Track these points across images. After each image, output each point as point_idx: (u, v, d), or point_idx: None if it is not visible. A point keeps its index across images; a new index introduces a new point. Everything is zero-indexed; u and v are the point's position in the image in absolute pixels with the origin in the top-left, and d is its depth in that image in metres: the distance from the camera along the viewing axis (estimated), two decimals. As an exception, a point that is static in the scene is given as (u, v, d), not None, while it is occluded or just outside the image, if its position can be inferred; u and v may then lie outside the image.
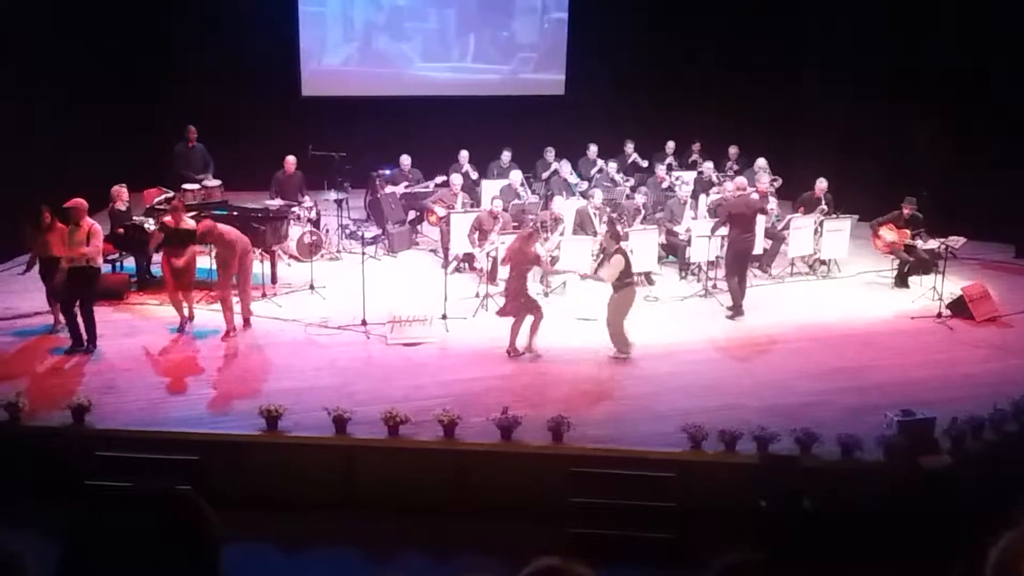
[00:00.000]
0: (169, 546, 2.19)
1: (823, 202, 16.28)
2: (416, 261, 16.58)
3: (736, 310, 14.17)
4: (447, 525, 9.99)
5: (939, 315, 14.40)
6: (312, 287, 14.64)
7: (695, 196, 16.78)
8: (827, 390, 12.00)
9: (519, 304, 12.60)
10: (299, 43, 20.05)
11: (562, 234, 14.86)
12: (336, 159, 17.28)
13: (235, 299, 13.16)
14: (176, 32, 19.04)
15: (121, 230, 14.40)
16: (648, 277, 15.37)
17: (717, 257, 15.04)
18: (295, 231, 15.73)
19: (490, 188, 16.69)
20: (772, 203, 16.17)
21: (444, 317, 13.59)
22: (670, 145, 18.74)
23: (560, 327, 13.28)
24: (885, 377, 12.39)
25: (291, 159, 16.65)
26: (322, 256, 15.93)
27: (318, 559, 9.96)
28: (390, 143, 18.03)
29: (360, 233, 15.57)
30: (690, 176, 17.65)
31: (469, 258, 15.58)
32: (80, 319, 12.38)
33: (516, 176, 16.74)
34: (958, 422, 10.79)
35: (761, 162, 17.43)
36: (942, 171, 17.77)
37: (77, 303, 12.37)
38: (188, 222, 13.26)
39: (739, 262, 14.23)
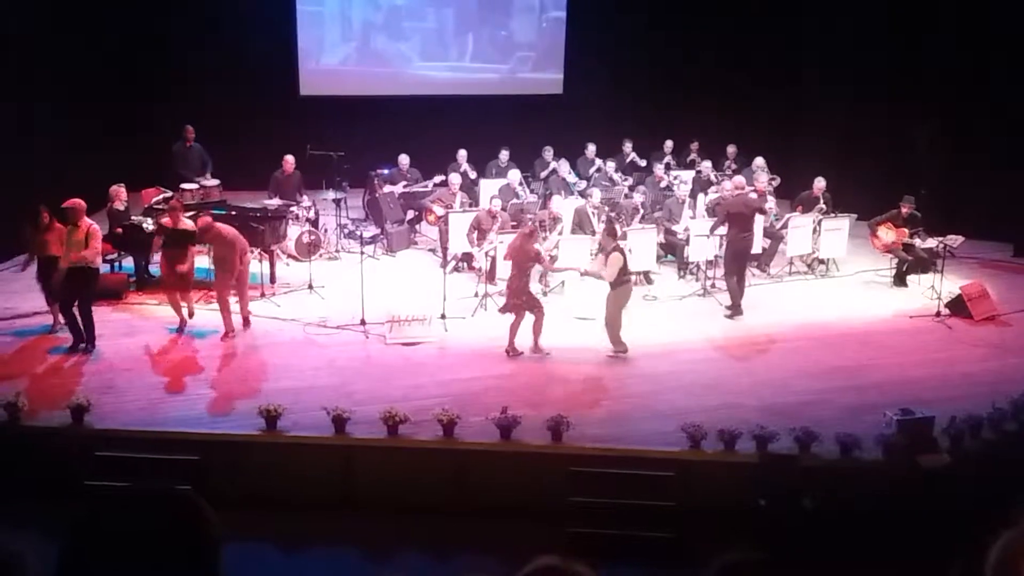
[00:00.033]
0: (169, 546, 2.20)
1: (821, 201, 16.29)
2: (415, 261, 16.58)
3: (735, 309, 14.17)
4: (446, 525, 10.00)
5: (937, 314, 14.40)
6: (311, 287, 14.64)
7: (693, 195, 16.79)
8: (826, 389, 12.01)
9: (520, 302, 12.60)
10: (297, 43, 20.05)
11: (560, 233, 14.86)
12: (334, 159, 17.28)
13: (233, 300, 13.16)
14: (176, 32, 19.04)
15: (119, 230, 14.40)
16: (647, 276, 15.37)
17: (716, 256, 15.04)
18: (294, 231, 15.73)
19: (488, 187, 16.69)
20: (770, 202, 16.17)
21: (443, 317, 13.60)
22: (668, 144, 18.74)
23: (559, 326, 13.28)
24: (884, 376, 12.39)
25: (289, 158, 16.65)
26: (321, 256, 15.93)
27: (317, 559, 9.97)
28: (388, 142, 18.03)
29: (359, 233, 15.58)
30: (688, 175, 17.65)
31: (468, 257, 15.58)
32: (79, 319, 12.39)
33: (514, 175, 16.74)
34: (957, 421, 10.80)
35: (759, 161, 17.43)
36: (942, 171, 17.76)
37: (76, 303, 12.37)
38: (186, 222, 13.26)
39: (738, 261, 14.24)
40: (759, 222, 15.13)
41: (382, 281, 14.87)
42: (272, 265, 15.05)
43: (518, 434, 10.59)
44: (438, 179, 17.12)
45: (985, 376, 12.43)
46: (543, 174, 17.84)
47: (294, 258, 15.71)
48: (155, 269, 14.36)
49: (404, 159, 17.53)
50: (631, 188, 17.12)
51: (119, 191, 14.57)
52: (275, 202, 16.27)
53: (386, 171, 17.39)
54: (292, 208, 16.03)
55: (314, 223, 16.29)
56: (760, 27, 19.92)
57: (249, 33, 19.08)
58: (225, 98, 18.95)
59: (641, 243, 14.87)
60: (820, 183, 16.35)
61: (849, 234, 16.12)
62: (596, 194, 15.57)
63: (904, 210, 15.52)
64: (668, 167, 18.01)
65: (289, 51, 19.97)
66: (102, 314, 13.09)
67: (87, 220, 12.34)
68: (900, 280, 15.72)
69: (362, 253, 14.27)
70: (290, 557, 10.08)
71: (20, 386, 11.25)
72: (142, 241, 14.33)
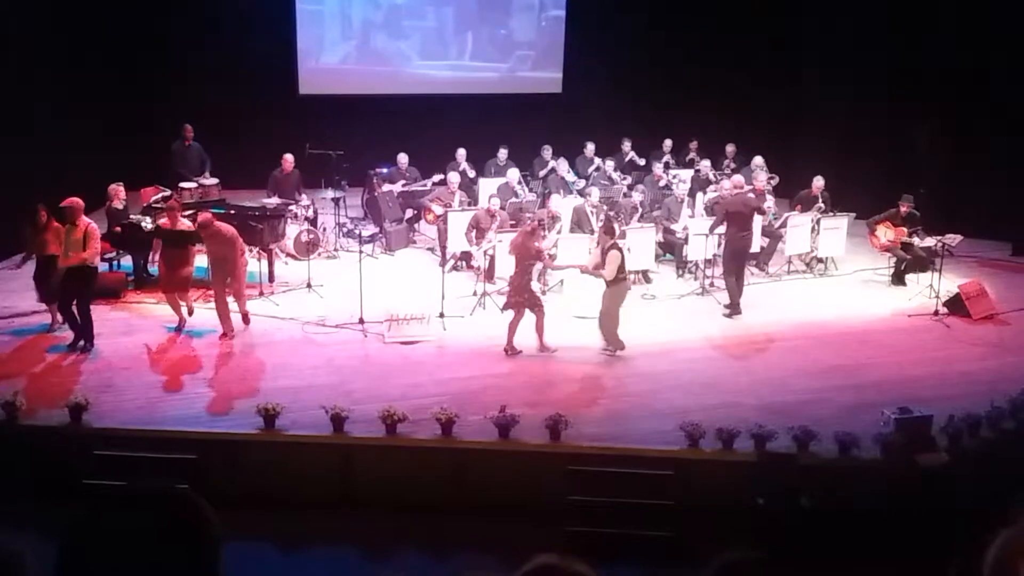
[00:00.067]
0: (168, 545, 2.19)
1: (820, 200, 16.29)
2: (413, 259, 16.58)
3: (734, 308, 14.18)
4: (445, 523, 10.00)
5: (936, 313, 14.41)
6: (309, 286, 14.64)
7: (692, 194, 16.79)
8: (824, 388, 12.01)
9: (521, 300, 12.60)
10: (297, 41, 20.04)
11: (559, 232, 14.86)
12: (333, 157, 17.27)
13: (230, 299, 13.15)
14: (176, 32, 19.03)
15: (118, 229, 14.39)
16: (645, 275, 15.38)
17: (714, 255, 15.05)
18: (292, 229, 15.72)
19: (487, 186, 16.69)
20: (769, 201, 16.18)
21: (442, 315, 13.60)
22: (667, 143, 18.74)
23: (558, 325, 13.28)
24: (882, 375, 12.40)
25: (289, 157, 16.64)
26: (319, 255, 15.93)
27: (316, 557, 9.97)
28: (388, 141, 18.03)
29: (357, 231, 15.58)
30: (687, 174, 17.64)
31: (467, 256, 15.58)
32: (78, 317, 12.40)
33: (513, 174, 16.74)
34: (955, 420, 10.81)
35: (758, 160, 17.43)
36: (941, 170, 17.77)
37: (74, 302, 12.38)
38: (184, 223, 13.26)
39: (736, 260, 14.25)
40: (758, 221, 15.14)
41: (381, 280, 14.87)
42: (271, 264, 15.05)
43: (516, 433, 10.59)
44: (437, 178, 17.12)
45: (983, 375, 12.44)
46: (542, 173, 17.83)
47: (293, 257, 15.71)
48: (154, 268, 14.36)
49: (403, 158, 17.53)
50: (630, 187, 17.12)
51: (118, 190, 14.56)
52: (274, 201, 16.27)
53: (385, 170, 17.39)
54: (291, 207, 16.02)
55: (313, 222, 16.29)
56: (760, 27, 19.92)
57: (249, 32, 19.07)
58: (225, 97, 18.95)
59: (640, 242, 14.88)
60: (819, 182, 16.35)
61: (848, 233, 16.12)
62: (595, 193, 15.57)
63: (903, 209, 15.53)
64: (667, 166, 18.01)
65: (289, 50, 19.97)
66: (100, 313, 13.09)
67: (85, 219, 12.34)
68: (898, 279, 15.72)
69: (361, 252, 14.28)
70: (289, 556, 10.08)
71: (18, 385, 11.25)
72: (141, 240, 14.34)
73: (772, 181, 17.13)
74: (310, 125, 18.62)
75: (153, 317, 13.66)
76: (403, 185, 17.31)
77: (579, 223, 15.11)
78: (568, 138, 18.44)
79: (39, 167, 15.67)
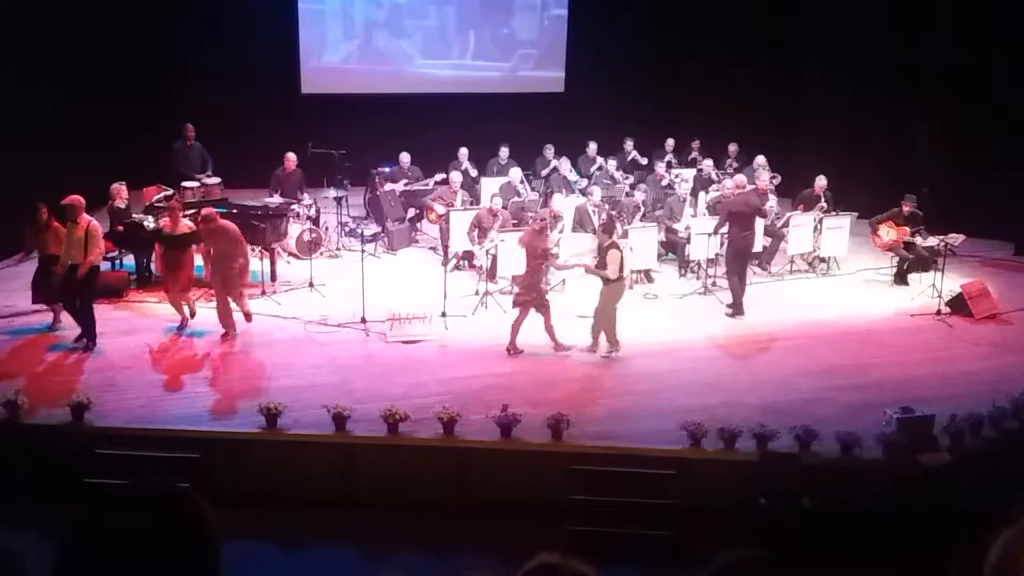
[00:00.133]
0: (169, 544, 2.19)
1: (823, 199, 16.29)
2: (416, 259, 16.58)
3: (736, 308, 14.17)
4: (446, 523, 10.00)
5: (938, 312, 14.41)
6: (311, 285, 14.64)
7: (694, 194, 16.79)
8: (826, 387, 12.01)
9: (529, 299, 12.59)
10: (299, 41, 20.04)
11: (561, 231, 14.86)
12: (336, 157, 17.26)
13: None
14: (176, 32, 19.02)
15: (120, 228, 14.40)
16: (648, 275, 15.38)
17: (716, 255, 15.04)
18: (295, 229, 15.73)
19: (490, 185, 16.69)
20: (771, 200, 16.17)
21: (444, 315, 13.61)
22: (669, 143, 18.72)
23: (559, 324, 13.26)
24: (884, 375, 12.40)
25: (291, 156, 16.64)
26: (321, 254, 15.93)
27: (317, 557, 9.98)
28: (390, 141, 18.02)
29: (359, 231, 15.57)
30: (689, 174, 17.65)
31: (469, 256, 15.58)
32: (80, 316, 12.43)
33: (515, 174, 16.73)
34: (957, 419, 10.80)
35: (760, 159, 17.43)
36: (942, 170, 17.77)
37: (76, 300, 12.40)
38: (185, 224, 13.25)
39: (739, 260, 14.24)
40: (760, 221, 15.13)
41: (383, 279, 14.88)
42: (273, 263, 15.05)
43: (518, 432, 10.59)
44: (439, 177, 17.10)
45: (986, 374, 12.44)
46: (544, 172, 17.83)
47: (295, 256, 15.71)
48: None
49: (405, 157, 17.53)
50: (632, 186, 17.11)
51: (120, 189, 14.57)
52: (276, 200, 16.27)
53: (387, 169, 17.38)
54: (293, 206, 16.02)
55: (315, 221, 16.29)
56: (760, 26, 19.92)
57: (250, 31, 19.06)
58: (226, 97, 18.94)
59: (642, 241, 14.88)
60: (821, 181, 16.35)
61: (850, 232, 16.11)
62: (596, 192, 15.55)
63: (905, 208, 15.52)
64: (669, 165, 17.99)
65: (290, 49, 19.96)
66: (103, 312, 13.10)
67: (86, 217, 12.35)
68: (901, 278, 15.71)
69: (363, 251, 14.28)
70: (290, 555, 10.09)
71: (20, 384, 11.26)
72: (143, 239, 14.34)
73: (774, 180, 17.12)
74: (312, 124, 18.61)
75: (155, 316, 13.66)
76: (405, 184, 17.30)
77: (581, 222, 15.10)
78: (570, 137, 18.43)
79: (39, 167, 15.67)
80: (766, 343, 13.51)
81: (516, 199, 16.13)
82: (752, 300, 14.45)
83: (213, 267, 13.13)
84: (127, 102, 18.66)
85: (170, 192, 15.54)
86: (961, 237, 15.21)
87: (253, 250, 13.99)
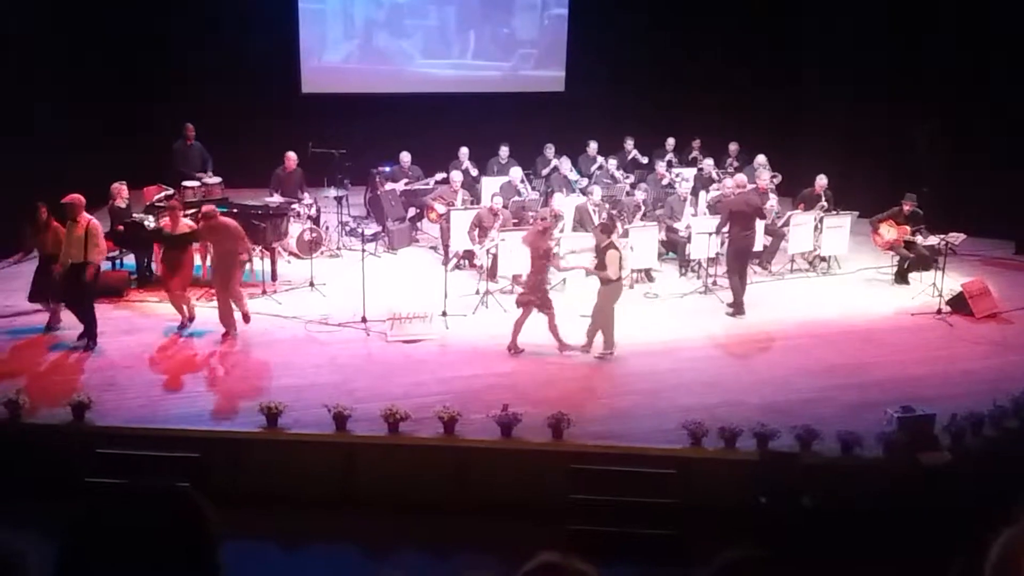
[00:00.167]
0: (168, 543, 2.19)
1: (823, 199, 16.29)
2: (416, 258, 16.58)
3: (738, 308, 14.16)
4: (447, 522, 10.00)
5: (939, 311, 14.40)
6: (312, 284, 14.65)
7: (695, 193, 16.78)
8: (827, 387, 12.01)
9: (533, 299, 12.58)
10: (299, 40, 20.04)
11: (561, 231, 14.86)
12: (336, 156, 17.26)
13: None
14: (176, 32, 19.02)
15: (121, 227, 14.40)
16: (648, 274, 15.38)
17: (717, 254, 15.04)
18: (295, 228, 15.72)
19: (490, 185, 16.70)
20: (772, 200, 16.18)
21: (444, 314, 13.61)
22: (670, 142, 18.73)
23: (560, 324, 13.26)
24: (885, 374, 12.39)
25: (292, 155, 16.63)
26: (322, 253, 15.93)
27: (317, 556, 9.98)
28: (390, 140, 18.02)
29: (360, 230, 15.57)
30: (690, 173, 17.65)
31: (469, 255, 15.58)
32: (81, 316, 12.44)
33: (516, 173, 16.73)
34: (958, 418, 10.80)
35: (761, 159, 17.43)
36: (942, 170, 17.77)
37: (77, 299, 12.41)
38: (185, 223, 13.24)
39: (739, 259, 14.24)
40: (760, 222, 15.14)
41: (383, 279, 14.88)
42: (273, 263, 15.04)
43: (519, 432, 10.59)
44: (439, 176, 17.10)
45: (986, 373, 12.44)
46: (545, 172, 17.83)
47: (295, 255, 15.71)
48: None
49: (406, 156, 17.53)
50: (632, 186, 17.11)
51: (120, 188, 14.57)
52: (276, 199, 16.27)
53: (388, 168, 17.38)
54: (294, 205, 16.02)
55: (316, 220, 16.28)
56: (760, 26, 19.91)
57: (250, 31, 19.06)
58: (226, 96, 18.94)
59: (643, 241, 14.88)
60: (822, 181, 16.35)
61: (851, 232, 16.12)
62: (596, 191, 15.55)
63: (906, 208, 15.52)
64: (670, 164, 18.00)
65: (291, 49, 19.96)
66: (103, 311, 13.09)
67: (86, 216, 12.35)
68: (902, 278, 15.71)
69: (363, 251, 14.28)
70: (290, 554, 10.09)
71: (21, 383, 11.26)
72: (143, 239, 14.35)
73: (775, 180, 17.12)
74: (312, 124, 18.61)
75: (156, 316, 13.66)
76: (406, 184, 17.30)
77: (581, 222, 15.10)
78: (571, 137, 18.43)
79: (39, 167, 15.65)
80: (766, 342, 13.52)
81: (517, 198, 16.13)
82: (753, 299, 14.45)
83: (214, 266, 13.13)
84: (127, 102, 18.66)
85: (171, 192, 15.54)
86: (962, 236, 15.21)
87: (254, 249, 13.99)
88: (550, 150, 17.98)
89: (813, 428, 10.43)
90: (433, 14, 20.62)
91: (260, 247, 14.62)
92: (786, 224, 16.11)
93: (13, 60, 15.75)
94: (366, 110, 19.67)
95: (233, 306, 13.03)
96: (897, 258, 15.76)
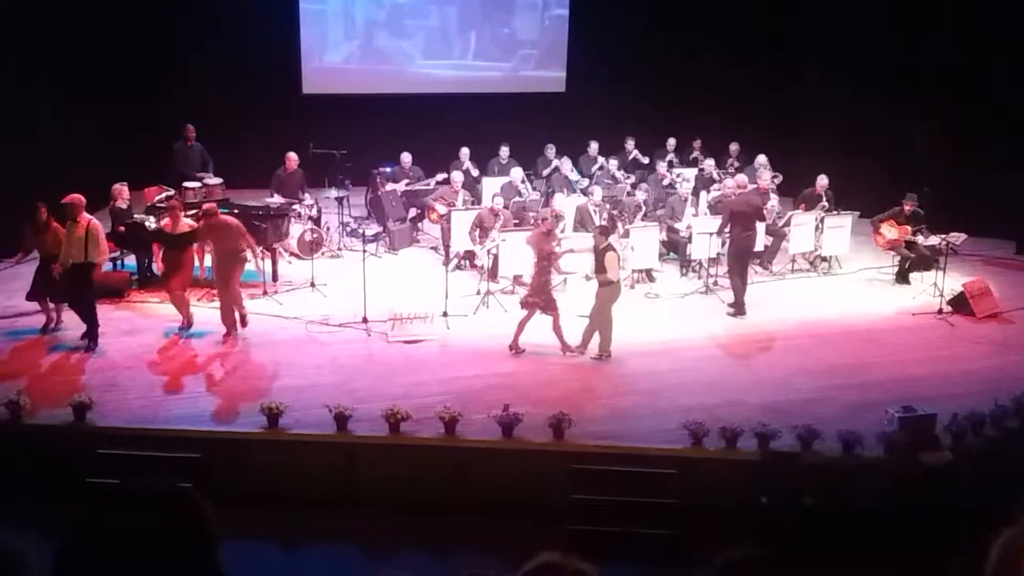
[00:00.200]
0: (168, 543, 2.19)
1: (824, 199, 16.29)
2: (417, 258, 16.58)
3: (739, 308, 14.15)
4: (447, 522, 10.00)
5: (940, 311, 14.40)
6: (313, 285, 14.65)
7: (696, 193, 16.77)
8: (828, 387, 12.01)
9: (537, 300, 12.57)
10: (300, 41, 20.04)
11: (562, 231, 14.85)
12: (337, 157, 17.26)
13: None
14: (176, 32, 19.02)
15: (122, 228, 14.40)
16: (649, 274, 15.38)
17: (718, 254, 15.03)
18: (296, 229, 15.72)
19: (491, 185, 16.70)
20: (773, 200, 16.18)
21: (445, 314, 13.61)
22: (671, 142, 18.74)
23: (564, 325, 13.26)
24: (886, 373, 12.39)
25: (293, 156, 16.62)
26: (323, 254, 15.93)
27: (318, 556, 9.98)
28: (391, 141, 18.02)
29: (361, 231, 15.57)
30: (691, 173, 17.65)
31: (470, 255, 15.59)
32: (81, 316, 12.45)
33: (517, 173, 16.74)
34: (959, 418, 10.80)
35: (761, 159, 17.42)
36: (943, 170, 17.76)
37: (78, 300, 12.42)
38: (186, 222, 13.24)
39: (740, 259, 14.23)
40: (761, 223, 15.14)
41: (384, 279, 14.87)
42: (274, 263, 15.03)
43: (520, 432, 10.59)
44: (440, 177, 17.10)
45: (987, 373, 12.44)
46: (545, 172, 17.83)
47: (296, 256, 15.71)
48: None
49: (406, 157, 17.53)
50: (633, 186, 17.11)
51: (121, 189, 14.57)
52: (277, 200, 16.26)
53: (388, 169, 17.38)
54: (295, 206, 16.01)
55: (316, 221, 16.28)
56: (760, 26, 19.91)
57: (251, 31, 19.07)
58: (227, 97, 18.94)
59: (643, 241, 14.88)
60: (823, 180, 16.36)
61: (851, 232, 16.11)
62: (597, 192, 15.54)
63: (907, 207, 15.52)
64: (671, 165, 18.00)
65: (291, 49, 19.96)
66: (104, 312, 13.09)
67: (86, 216, 12.35)
68: (902, 277, 15.71)
69: (364, 251, 14.27)
70: (291, 555, 10.09)
71: (22, 384, 11.27)
72: (144, 239, 14.35)
73: (776, 180, 17.12)
74: (313, 124, 18.61)
75: (157, 316, 13.66)
76: (406, 184, 17.30)
77: (582, 222, 15.10)
78: (571, 137, 18.43)
79: (39, 167, 15.66)
80: (767, 342, 13.51)
81: (517, 199, 16.13)
82: (753, 299, 14.44)
83: (215, 265, 13.13)
84: (127, 102, 18.66)
85: (171, 192, 15.54)
86: (962, 236, 15.21)
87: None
88: (551, 150, 17.98)
89: (814, 428, 10.43)
90: (434, 14, 20.62)
91: (261, 248, 14.61)
92: (787, 224, 16.10)
93: (13, 60, 15.75)
94: (367, 111, 19.67)
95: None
96: (898, 258, 15.76)
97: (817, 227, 16.08)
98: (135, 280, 14.73)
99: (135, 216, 14.71)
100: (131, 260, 14.97)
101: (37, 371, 12.06)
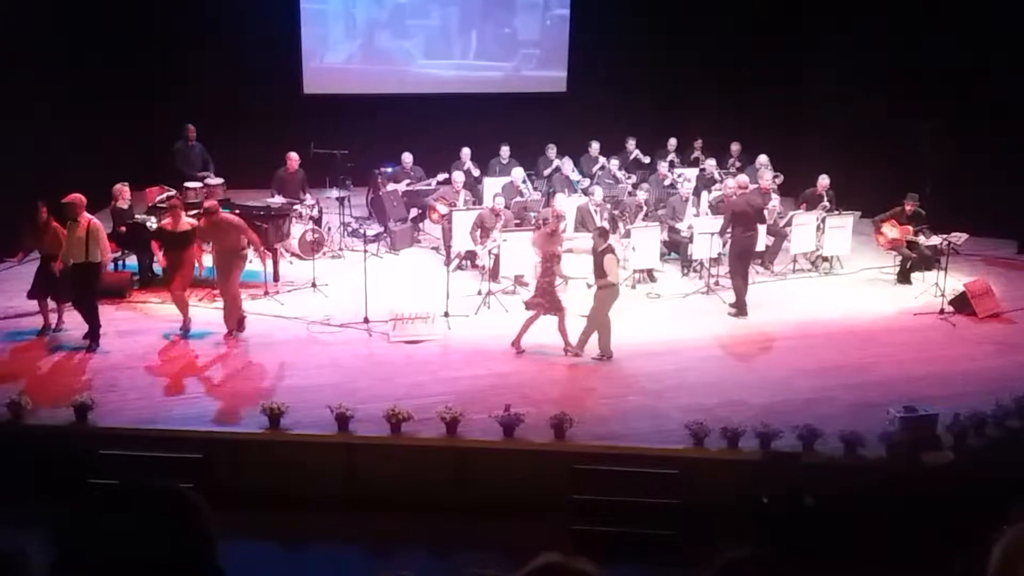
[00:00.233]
0: (165, 543, 2.19)
1: (825, 199, 16.29)
2: (418, 259, 16.58)
3: (740, 309, 14.15)
4: (448, 522, 10.00)
5: (941, 311, 14.39)
6: (314, 285, 14.65)
7: (697, 193, 16.77)
8: (829, 387, 12.00)
9: (542, 301, 12.56)
10: (301, 41, 20.04)
11: (563, 231, 14.83)
12: (338, 157, 17.27)
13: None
14: (176, 32, 19.00)
15: (123, 228, 14.41)
16: (650, 274, 15.37)
17: (719, 254, 15.03)
18: (297, 229, 15.71)
19: (492, 185, 16.70)
20: (774, 200, 16.17)
21: (446, 315, 13.61)
22: (672, 142, 18.73)
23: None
24: (887, 373, 12.39)
25: (293, 156, 16.62)
26: (324, 254, 15.93)
27: (320, 556, 9.99)
28: (392, 141, 18.02)
29: (362, 231, 15.57)
30: (692, 173, 17.65)
31: (471, 255, 15.58)
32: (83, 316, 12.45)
33: (518, 173, 16.74)
34: (960, 418, 10.80)
35: (763, 159, 17.42)
36: (944, 170, 17.75)
37: (80, 299, 12.42)
38: (186, 223, 13.24)
39: (742, 260, 14.23)
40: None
41: (385, 279, 14.87)
42: (276, 263, 15.03)
43: (521, 432, 10.59)
44: (441, 177, 17.11)
45: (989, 373, 12.44)
46: (546, 172, 17.83)
47: (297, 256, 15.70)
48: (159, 268, 14.35)
49: (407, 157, 17.52)
50: (635, 186, 17.10)
51: (122, 190, 14.57)
52: (278, 200, 16.25)
53: (389, 169, 17.38)
54: (295, 206, 16.01)
55: (317, 221, 16.28)
56: (761, 26, 19.90)
57: (252, 31, 19.06)
58: (227, 97, 18.92)
59: (645, 241, 14.88)
60: (824, 180, 16.36)
61: (853, 231, 16.11)
62: (598, 192, 15.53)
63: (908, 207, 15.52)
64: (672, 165, 18.00)
65: (292, 49, 19.95)
66: (106, 312, 13.09)
67: (87, 215, 12.35)
68: (904, 277, 15.71)
69: (365, 251, 14.27)
70: (292, 554, 10.10)
71: (23, 385, 11.27)
72: (146, 240, 14.35)
73: (777, 180, 17.12)
74: (314, 124, 18.60)
75: (158, 317, 13.66)
76: (407, 184, 17.30)
77: (583, 222, 15.10)
78: (573, 137, 18.43)
79: (39, 167, 15.66)
80: (769, 343, 13.51)
81: (518, 199, 16.13)
82: (755, 299, 14.43)
83: (215, 264, 13.13)
84: (127, 102, 18.64)
85: (172, 192, 15.53)
86: (964, 236, 15.20)
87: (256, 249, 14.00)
88: (552, 150, 17.98)
89: (815, 428, 10.43)
90: (435, 14, 20.61)
91: (262, 248, 14.61)
92: (788, 224, 16.10)
93: (13, 60, 15.74)
94: (368, 110, 19.67)
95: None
96: (899, 258, 15.76)
97: (818, 227, 16.07)
98: (136, 280, 14.73)
99: (136, 216, 14.72)
100: (132, 260, 14.96)
101: (38, 372, 12.06)
